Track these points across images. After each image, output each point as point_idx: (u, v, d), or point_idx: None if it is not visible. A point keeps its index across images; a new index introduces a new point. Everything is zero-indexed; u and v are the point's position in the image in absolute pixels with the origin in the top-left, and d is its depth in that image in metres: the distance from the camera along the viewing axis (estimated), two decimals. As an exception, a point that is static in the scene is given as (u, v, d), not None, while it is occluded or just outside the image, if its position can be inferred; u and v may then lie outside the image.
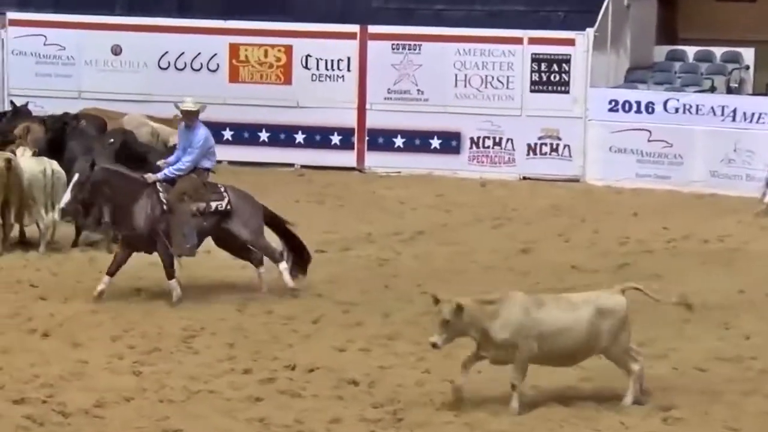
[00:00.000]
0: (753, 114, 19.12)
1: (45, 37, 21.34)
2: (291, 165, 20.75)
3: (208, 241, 13.23)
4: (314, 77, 20.80)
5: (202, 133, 12.91)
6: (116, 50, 21.19)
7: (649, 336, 11.17)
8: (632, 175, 19.60)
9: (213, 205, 12.81)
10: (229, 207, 12.84)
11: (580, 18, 20.18)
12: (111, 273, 12.70)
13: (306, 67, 20.84)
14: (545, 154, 20.18)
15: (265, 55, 20.89)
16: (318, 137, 20.77)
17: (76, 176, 12.78)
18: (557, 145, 20.12)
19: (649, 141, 19.53)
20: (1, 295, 12.87)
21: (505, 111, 20.23)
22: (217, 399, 9.85)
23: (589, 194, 19.27)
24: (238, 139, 20.74)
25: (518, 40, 20.19)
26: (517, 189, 19.61)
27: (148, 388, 10.05)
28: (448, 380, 9.85)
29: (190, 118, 12.97)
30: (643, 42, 21.33)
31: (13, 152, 15.11)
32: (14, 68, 21.38)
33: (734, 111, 19.21)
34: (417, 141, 20.57)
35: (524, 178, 20.22)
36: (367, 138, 20.70)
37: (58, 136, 15.86)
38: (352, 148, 20.75)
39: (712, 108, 19.34)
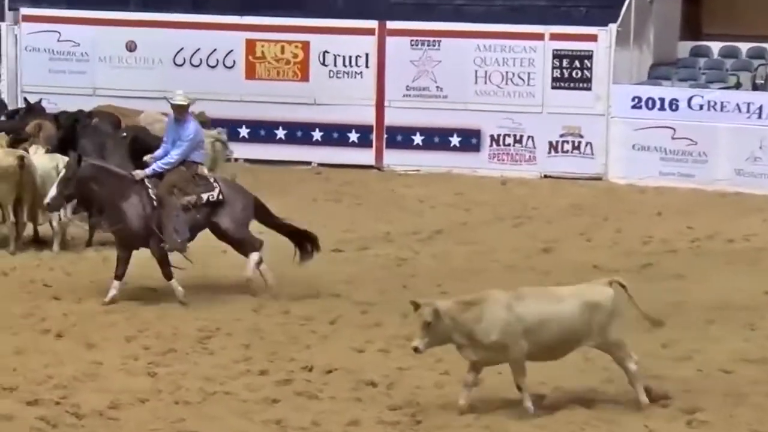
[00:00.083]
0: (779, 111, 19.14)
1: (59, 33, 21.36)
2: (308, 163, 20.73)
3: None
4: (332, 74, 20.76)
5: (192, 126, 12.88)
6: (131, 46, 21.20)
7: (672, 337, 11.11)
8: (656, 173, 19.53)
9: (204, 196, 12.76)
10: (221, 197, 12.78)
11: (602, 13, 20.10)
12: (119, 277, 12.66)
13: (323, 64, 20.79)
14: (567, 151, 20.10)
15: (282, 52, 20.85)
16: (336, 135, 20.75)
17: (62, 171, 12.79)
18: (579, 142, 20.05)
19: (672, 138, 19.45)
20: (15, 295, 12.88)
21: (526, 108, 20.17)
22: (233, 400, 9.83)
23: (611, 193, 19.22)
24: (255, 137, 20.74)
25: (539, 36, 20.11)
26: (538, 187, 19.56)
27: (163, 389, 10.05)
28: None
29: (180, 111, 12.92)
30: (666, 37, 21.23)
31: (26, 150, 15.03)
32: (28, 65, 21.42)
33: (760, 108, 19.13)
34: (436, 138, 20.52)
35: (545, 176, 20.16)
36: (385, 135, 20.66)
37: (70, 134, 15.86)
38: (371, 146, 20.70)
39: (737, 105, 19.25)
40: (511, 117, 20.16)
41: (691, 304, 12.54)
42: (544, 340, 9.38)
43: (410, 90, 20.52)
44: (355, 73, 20.64)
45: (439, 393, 9.92)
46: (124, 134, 15.76)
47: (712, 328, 11.71)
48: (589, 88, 19.94)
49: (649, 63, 21.03)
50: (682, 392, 9.82)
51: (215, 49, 20.92)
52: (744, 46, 21.22)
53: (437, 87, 20.41)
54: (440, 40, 20.39)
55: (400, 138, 20.60)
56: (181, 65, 21.05)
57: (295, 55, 20.81)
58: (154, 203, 12.55)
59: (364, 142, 20.66)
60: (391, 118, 20.58)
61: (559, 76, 20.04)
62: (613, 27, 19.93)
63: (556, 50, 20.02)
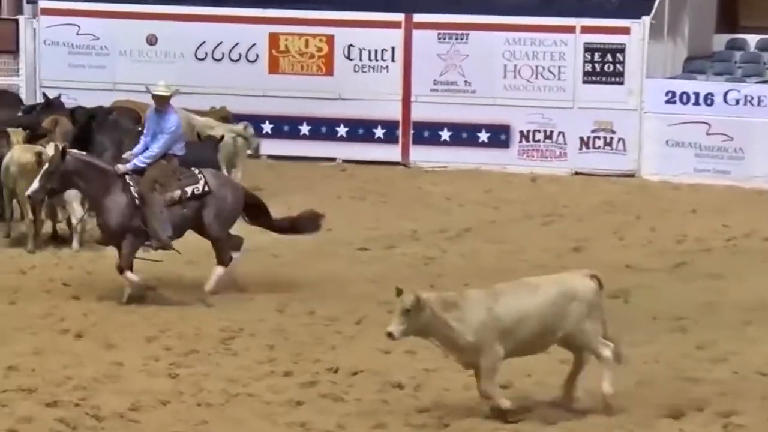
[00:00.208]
0: (817, 105, 19.16)
1: (78, 26, 21.31)
2: (333, 159, 20.68)
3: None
4: (357, 68, 20.66)
5: (173, 119, 12.72)
6: (151, 40, 21.13)
7: (708, 338, 11.15)
8: (690, 169, 19.45)
9: (189, 189, 12.56)
10: (207, 188, 12.59)
11: (635, 5, 20.00)
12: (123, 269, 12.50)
13: (348, 58, 20.68)
14: (598, 147, 20.00)
15: (306, 45, 20.77)
16: (361, 130, 20.66)
17: (46, 165, 12.70)
18: (611, 138, 19.95)
19: (707, 134, 19.38)
20: (34, 294, 12.80)
21: (557, 103, 20.07)
22: (256, 402, 9.75)
23: (644, 190, 19.14)
24: (278, 133, 20.66)
25: (570, 29, 20.01)
26: (569, 184, 19.48)
27: (185, 391, 9.95)
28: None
29: (161, 103, 12.77)
30: (701, 30, 21.14)
31: (43, 146, 14.92)
32: (46, 59, 21.39)
33: (798, 102, 19.25)
34: (464, 134, 20.40)
35: (576, 173, 20.10)
36: (412, 131, 20.60)
37: (86, 130, 15.81)
38: (397, 142, 20.62)
39: (775, 99, 19.34)
40: (541, 112, 20.06)
41: (727, 305, 12.46)
42: (523, 336, 9.27)
43: (437, 84, 20.42)
44: (381, 67, 20.54)
45: (467, 395, 9.74)
46: (140, 128, 15.59)
47: (749, 329, 11.57)
48: (621, 83, 19.85)
49: (683, 56, 20.95)
50: (718, 395, 9.70)
51: (238, 43, 20.85)
52: (782, 39, 21.29)
53: (465, 81, 20.31)
54: (468, 34, 20.27)
55: (427, 134, 20.51)
56: (202, 59, 20.97)
57: (320, 49, 20.73)
58: (136, 202, 12.40)
59: (390, 138, 20.57)
60: (418, 113, 20.51)
61: (590, 70, 19.95)
62: (646, 19, 19.82)
63: (588, 43, 19.94)
